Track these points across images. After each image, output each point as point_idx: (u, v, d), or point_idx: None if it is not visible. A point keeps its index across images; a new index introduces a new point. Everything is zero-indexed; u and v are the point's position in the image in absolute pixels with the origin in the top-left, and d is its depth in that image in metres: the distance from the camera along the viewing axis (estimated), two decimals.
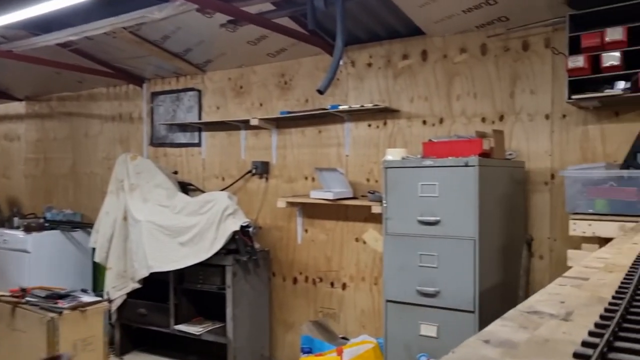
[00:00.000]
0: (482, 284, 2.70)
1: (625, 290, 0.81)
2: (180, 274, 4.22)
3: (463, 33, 3.52)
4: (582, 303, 0.73)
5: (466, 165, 2.69)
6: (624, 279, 0.90)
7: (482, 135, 2.85)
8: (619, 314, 0.65)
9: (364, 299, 3.96)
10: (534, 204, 3.29)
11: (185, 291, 4.30)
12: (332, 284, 4.12)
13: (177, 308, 4.31)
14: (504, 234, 2.96)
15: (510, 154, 3.06)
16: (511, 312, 0.77)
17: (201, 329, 4.19)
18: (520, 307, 0.79)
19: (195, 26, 3.96)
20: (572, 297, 0.79)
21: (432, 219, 2.79)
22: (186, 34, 4.16)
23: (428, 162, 2.82)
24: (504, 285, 2.96)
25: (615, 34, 2.75)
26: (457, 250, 2.73)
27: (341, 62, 3.18)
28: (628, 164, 2.44)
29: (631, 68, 2.73)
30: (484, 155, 2.79)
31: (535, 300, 0.85)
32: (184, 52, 4.53)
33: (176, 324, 4.28)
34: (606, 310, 0.68)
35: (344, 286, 4.06)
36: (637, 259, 1.09)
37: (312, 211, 4.18)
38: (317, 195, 3.76)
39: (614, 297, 0.77)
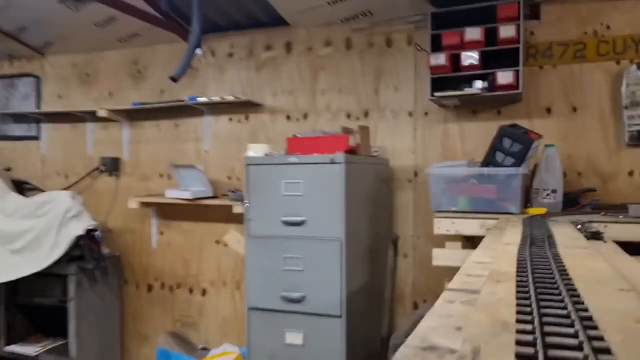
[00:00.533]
0: (349, 286, 2.59)
1: (528, 311, 0.67)
2: (13, 286, 3.66)
3: (328, 26, 3.41)
4: (485, 331, 0.57)
5: (332, 163, 2.56)
6: (519, 293, 0.77)
7: (348, 131, 2.75)
8: (540, 354, 0.50)
9: (225, 306, 3.71)
10: (399, 202, 3.27)
11: (20, 307, 3.75)
12: (191, 291, 3.82)
13: (9, 327, 3.75)
14: (371, 233, 2.89)
15: (375, 151, 3.01)
16: (404, 352, 0.60)
17: (39, 349, 3.68)
18: (411, 340, 0.63)
19: (29, 1, 3.43)
20: (469, 321, 0.64)
21: (297, 219, 2.63)
22: (19, 9, 3.60)
23: (292, 159, 2.66)
24: (371, 287, 2.88)
25: (474, 34, 2.79)
26: (323, 252, 2.59)
27: (199, 52, 2.91)
28: (488, 161, 2.46)
29: (488, 68, 2.79)
30: (351, 152, 2.68)
31: (427, 328, 0.69)
32: (17, 31, 3.94)
33: (8, 344, 3.71)
34: (519, 343, 0.53)
35: (204, 292, 3.78)
36: (520, 266, 0.99)
37: (168, 212, 3.84)
38: (174, 195, 3.44)
39: (520, 322, 0.62)
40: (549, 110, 2.96)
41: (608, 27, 2.86)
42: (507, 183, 2.41)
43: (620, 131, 2.84)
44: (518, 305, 0.72)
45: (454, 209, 2.53)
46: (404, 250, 3.26)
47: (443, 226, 2.48)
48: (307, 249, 2.62)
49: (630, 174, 2.83)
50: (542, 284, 0.84)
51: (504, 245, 1.36)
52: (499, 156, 2.46)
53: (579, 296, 0.76)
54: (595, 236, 1.49)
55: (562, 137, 2.93)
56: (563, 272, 0.95)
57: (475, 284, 0.94)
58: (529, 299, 0.74)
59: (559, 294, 0.77)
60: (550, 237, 1.43)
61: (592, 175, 2.89)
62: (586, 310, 0.68)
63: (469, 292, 0.88)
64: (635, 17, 2.80)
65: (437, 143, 3.19)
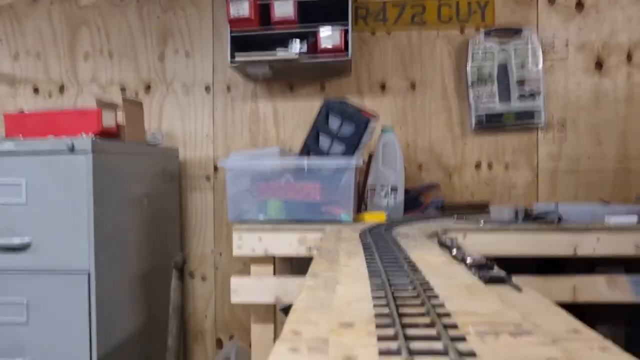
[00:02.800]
0: (104, 341, 1.67)
1: None
2: None
3: None
4: None
5: (72, 151, 1.62)
6: None
7: (105, 106, 1.82)
8: None
9: None
10: (193, 207, 2.41)
11: None
12: None
13: None
14: (146, 256, 1.99)
15: (154, 137, 2.10)
16: None
17: None
18: None
19: None
20: None
21: (15, 241, 1.64)
22: None
23: (7, 146, 1.65)
24: (146, 334, 1.99)
25: None
26: (60, 291, 1.64)
27: None
28: (309, 148, 1.72)
29: (310, 26, 2.06)
30: (107, 135, 1.76)
31: None
32: None
33: None
34: None
35: None
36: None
37: None
38: None
39: None
40: (383, 87, 2.33)
41: None
42: (335, 179, 1.69)
43: (465, 114, 2.30)
44: None
45: (261, 217, 1.74)
46: (202, 271, 2.41)
47: (246, 243, 1.69)
48: (34, 287, 1.65)
49: (477, 165, 2.31)
50: None
51: (350, 271, 0.60)
52: (324, 141, 1.73)
53: None
54: (496, 279, 0.80)
55: (399, 120, 2.31)
56: None
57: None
58: None
59: None
60: (425, 287, 0.70)
61: (435, 168, 2.32)
62: None
63: None
64: None
65: (244, 127, 2.39)
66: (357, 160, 1.66)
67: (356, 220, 1.78)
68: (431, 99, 2.32)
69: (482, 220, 1.73)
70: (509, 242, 1.64)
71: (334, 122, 1.72)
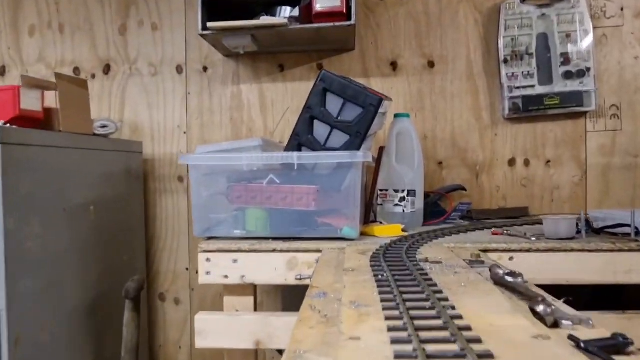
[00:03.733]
0: None
1: None
2: None
3: None
4: None
5: None
6: None
7: (33, 84, 1.38)
8: None
9: None
10: (163, 214, 1.97)
11: None
12: None
13: None
14: (94, 281, 1.55)
15: (104, 127, 1.66)
16: None
17: None
18: None
19: None
20: None
21: None
22: None
23: None
24: None
25: None
26: None
27: None
28: (300, 138, 1.28)
29: None
30: (29, 122, 1.32)
31: None
32: None
33: None
34: None
35: None
36: None
37: None
38: None
39: None
40: (394, 65, 1.89)
41: None
42: (335, 181, 1.26)
43: (496, 97, 1.86)
44: None
45: (237, 232, 1.31)
46: (175, 294, 1.98)
47: (217, 267, 1.26)
48: None
49: (511, 162, 1.87)
50: None
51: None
52: (320, 129, 1.29)
53: None
54: None
55: (414, 107, 1.88)
56: None
57: None
58: None
59: None
60: None
61: (459, 165, 1.88)
62: None
63: None
64: None
65: (224, 116, 1.96)
66: (364, 155, 1.22)
67: (364, 234, 1.35)
68: (454, 79, 1.88)
69: (531, 236, 1.29)
70: (571, 265, 1.20)
71: (333, 104, 1.27)
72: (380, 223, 1.46)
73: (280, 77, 1.93)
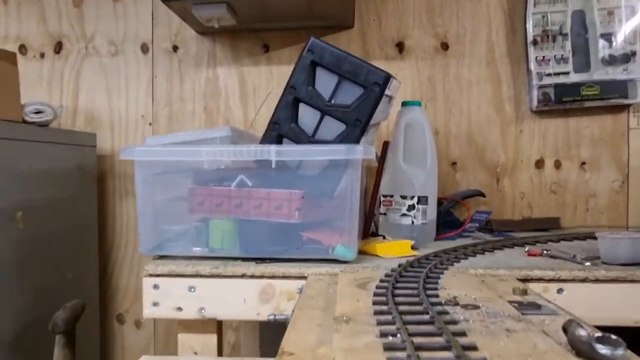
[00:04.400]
0: None
1: None
2: None
3: None
4: None
5: None
6: None
7: None
8: None
9: None
10: (124, 220, 1.66)
11: None
12: None
13: None
14: (18, 308, 1.24)
15: (38, 112, 1.32)
16: None
17: None
18: None
19: None
20: None
21: None
22: None
23: None
24: None
25: None
26: None
27: None
28: (280, 130, 0.97)
29: None
30: None
31: None
32: None
33: None
34: None
35: None
36: None
37: None
38: None
39: None
40: (400, 47, 1.59)
41: None
42: (326, 183, 0.95)
43: (522, 86, 1.56)
44: None
45: (197, 250, 1.00)
46: (135, 315, 1.67)
47: (168, 297, 0.95)
48: None
49: (539, 163, 1.56)
50: None
51: None
52: (308, 115, 0.98)
53: None
54: None
55: (423, 96, 1.57)
56: None
57: None
58: None
59: None
60: None
61: (476, 166, 1.58)
62: None
63: None
64: None
65: (197, 104, 1.65)
66: (365, 151, 0.91)
67: (362, 253, 1.04)
68: (471, 64, 1.57)
69: (582, 259, 0.98)
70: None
71: (325, 82, 0.96)
72: (383, 238, 1.15)
73: (264, 59, 1.62)
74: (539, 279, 0.91)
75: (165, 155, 0.97)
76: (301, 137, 0.97)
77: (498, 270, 0.91)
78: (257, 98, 1.61)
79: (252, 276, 0.93)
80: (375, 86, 0.93)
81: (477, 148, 1.57)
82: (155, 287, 0.95)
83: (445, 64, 1.58)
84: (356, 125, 0.94)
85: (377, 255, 1.04)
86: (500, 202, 1.56)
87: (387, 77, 0.93)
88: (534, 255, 1.06)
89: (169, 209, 1.02)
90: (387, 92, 0.96)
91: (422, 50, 1.58)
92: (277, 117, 0.97)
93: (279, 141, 0.98)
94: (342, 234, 0.95)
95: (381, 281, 0.79)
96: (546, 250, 1.07)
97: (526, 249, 1.11)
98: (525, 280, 0.90)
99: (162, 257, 1.01)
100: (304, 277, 0.92)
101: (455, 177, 1.58)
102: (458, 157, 1.58)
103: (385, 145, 1.21)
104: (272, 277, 0.93)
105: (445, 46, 1.58)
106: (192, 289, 0.94)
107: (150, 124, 1.65)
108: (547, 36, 1.52)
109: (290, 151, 0.93)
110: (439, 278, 0.83)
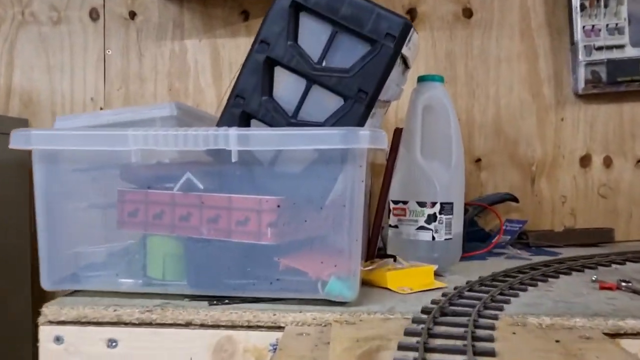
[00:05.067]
0: None
1: None
2: None
3: None
4: None
5: None
6: None
7: None
8: None
9: None
10: None
11: None
12: None
13: None
14: None
15: None
16: None
17: None
18: None
19: None
20: None
21: None
22: None
23: None
24: None
25: None
26: None
27: None
28: (245, 107, 0.65)
29: None
30: None
31: None
32: None
33: None
34: None
35: None
36: None
37: None
38: None
39: None
40: (411, 14, 1.27)
41: None
42: (314, 186, 0.63)
43: (564, 64, 1.25)
44: None
45: (127, 283, 0.68)
46: None
47: (76, 357, 0.63)
48: None
49: (585, 161, 1.25)
50: None
51: None
52: (286, 85, 0.66)
53: None
54: None
55: (441, 73, 1.25)
56: None
57: None
58: None
59: None
60: None
61: (506, 164, 1.27)
62: None
63: None
64: None
65: (160, 84, 1.33)
66: (372, 137, 0.59)
67: (366, 284, 0.73)
68: (501, 36, 1.26)
69: None
70: None
71: (312, 35, 0.64)
72: (394, 260, 0.83)
73: (242, 28, 1.31)
74: (636, 334, 0.60)
75: (76, 143, 0.65)
76: (277, 117, 0.65)
77: (573, 320, 0.60)
78: (227, 73, 1.29)
79: (203, 325, 0.62)
80: (389, 39, 0.62)
81: (507, 141, 1.26)
82: (58, 340, 0.63)
83: (468, 36, 1.26)
84: (359, 98, 0.63)
85: (386, 288, 0.73)
86: (536, 208, 1.25)
87: (407, 26, 0.62)
88: (608, 288, 0.75)
89: (87, 223, 0.71)
90: (404, 49, 0.65)
91: (439, 18, 1.26)
92: (241, 87, 0.65)
93: (244, 122, 0.67)
94: (337, 262, 0.64)
95: (401, 347, 0.49)
96: (624, 281, 0.76)
97: (594, 278, 0.80)
98: (615, 335, 0.59)
99: (75, 292, 0.69)
100: (279, 328, 0.61)
101: (480, 177, 1.27)
102: (483, 152, 1.26)
103: (397, 134, 0.89)
104: (233, 326, 0.62)
105: (468, 13, 1.26)
106: (113, 344, 0.63)
107: (101, 108, 1.33)
108: (597, 0, 1.20)
109: (260, 137, 0.62)
110: (492, 341, 0.51)
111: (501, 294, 0.70)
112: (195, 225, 0.66)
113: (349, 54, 0.64)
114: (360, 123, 0.63)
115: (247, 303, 0.64)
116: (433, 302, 0.64)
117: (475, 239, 1.13)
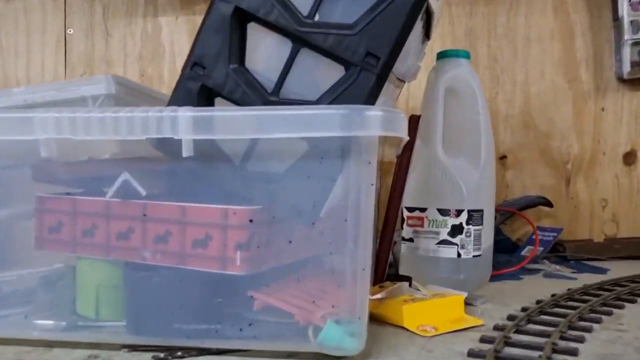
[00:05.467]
0: None
1: None
2: None
3: None
4: None
5: None
6: None
7: None
8: None
9: None
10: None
11: None
12: None
13: None
14: None
15: None
16: None
17: None
18: None
19: None
20: None
21: None
22: None
23: None
24: None
25: None
26: None
27: None
28: (206, 79, 0.46)
29: None
30: None
31: None
32: None
33: None
34: None
35: None
36: None
37: None
38: None
39: None
40: None
41: None
42: (302, 190, 0.45)
43: (605, 45, 1.06)
44: None
45: (44, 326, 0.49)
46: None
47: None
48: None
49: (629, 157, 1.06)
50: None
51: None
52: (265, 48, 0.47)
53: None
54: None
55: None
56: None
57: None
58: None
59: None
60: None
61: (536, 161, 1.08)
62: None
63: None
64: None
65: (130, 68, 1.15)
66: (384, 120, 0.40)
67: (375, 320, 0.54)
68: (530, 11, 1.07)
69: None
70: None
71: None
72: (410, 284, 0.64)
73: None
74: None
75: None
76: (251, 94, 0.46)
77: None
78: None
79: None
80: None
81: (537, 134, 1.07)
82: None
83: (491, 12, 1.08)
84: (367, 65, 0.44)
85: (403, 328, 0.54)
86: (572, 214, 1.06)
87: None
88: None
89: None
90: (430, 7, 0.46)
91: None
92: (199, 51, 0.47)
93: (204, 101, 0.48)
94: (336, 299, 0.45)
95: None
96: None
97: None
98: None
99: None
100: None
101: (505, 176, 1.08)
102: (509, 148, 1.08)
103: (413, 123, 0.70)
104: None
105: None
106: None
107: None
108: None
109: (225, 121, 0.43)
110: None
111: (562, 337, 0.51)
112: (136, 246, 0.47)
113: (352, 3, 0.45)
114: (369, 101, 0.44)
115: (208, 356, 0.45)
116: (471, 354, 0.45)
117: (501, 250, 0.94)
